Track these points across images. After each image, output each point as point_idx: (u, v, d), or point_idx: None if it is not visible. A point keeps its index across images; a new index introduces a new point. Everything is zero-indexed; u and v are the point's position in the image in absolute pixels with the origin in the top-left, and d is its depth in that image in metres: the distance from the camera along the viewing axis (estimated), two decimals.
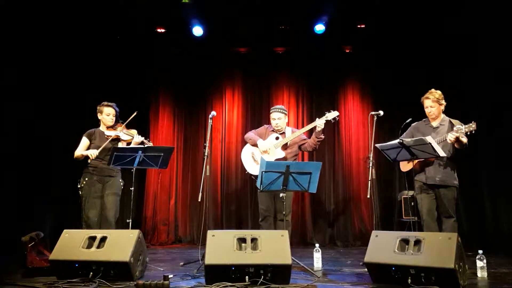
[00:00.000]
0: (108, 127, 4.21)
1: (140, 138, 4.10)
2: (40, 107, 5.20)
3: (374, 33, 5.85)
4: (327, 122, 4.23)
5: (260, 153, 4.35)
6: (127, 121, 4.19)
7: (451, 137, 3.58)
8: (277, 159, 4.24)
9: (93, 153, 4.00)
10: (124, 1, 5.25)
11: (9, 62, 4.85)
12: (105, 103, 4.20)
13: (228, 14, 5.64)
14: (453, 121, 3.80)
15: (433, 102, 3.84)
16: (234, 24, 5.84)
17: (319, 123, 4.17)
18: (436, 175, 3.77)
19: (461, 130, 3.54)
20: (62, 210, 5.24)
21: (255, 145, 4.39)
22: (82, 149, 4.12)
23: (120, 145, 4.13)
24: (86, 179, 4.07)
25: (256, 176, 4.27)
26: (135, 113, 4.17)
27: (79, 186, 4.07)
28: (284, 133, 4.41)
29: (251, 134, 4.56)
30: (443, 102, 3.86)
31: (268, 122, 4.67)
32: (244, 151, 4.44)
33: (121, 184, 4.19)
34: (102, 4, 5.23)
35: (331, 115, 4.24)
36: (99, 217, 4.03)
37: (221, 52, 6.27)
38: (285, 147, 4.35)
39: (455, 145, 3.70)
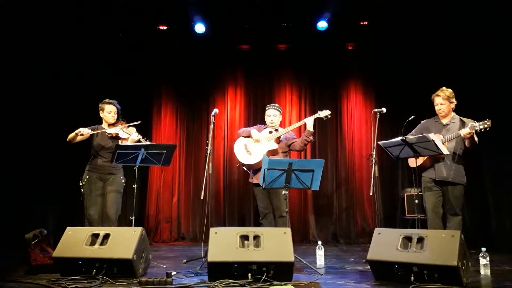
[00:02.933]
0: (109, 125, 4.21)
1: (137, 136, 4.10)
2: (41, 105, 5.21)
3: (377, 30, 5.83)
4: (319, 120, 4.34)
5: (253, 141, 4.38)
6: (129, 124, 4.19)
7: (465, 131, 3.57)
8: (269, 150, 4.29)
9: (84, 130, 3.98)
10: None
11: (7, 60, 4.86)
12: (106, 100, 4.21)
13: (230, 11, 5.63)
14: (464, 119, 3.80)
15: (443, 100, 3.83)
16: (236, 21, 5.83)
17: (308, 120, 4.30)
18: (446, 173, 3.76)
19: (475, 127, 3.53)
20: (65, 207, 5.27)
21: (248, 136, 4.44)
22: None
23: (120, 143, 4.13)
24: (87, 177, 4.08)
25: (248, 166, 4.37)
26: (138, 122, 4.19)
27: (80, 184, 4.07)
28: (277, 130, 4.48)
29: (244, 128, 4.68)
30: (454, 100, 3.86)
31: None
32: (236, 143, 4.49)
33: (123, 181, 4.18)
34: (104, 1, 5.23)
35: (323, 113, 4.33)
36: (101, 215, 4.03)
37: (223, 50, 6.26)
38: (277, 141, 4.42)
39: (466, 143, 3.69)
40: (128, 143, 4.06)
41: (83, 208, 4.07)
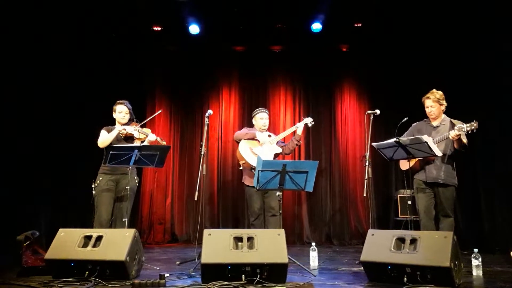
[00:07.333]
0: (122, 125, 4.16)
1: (154, 137, 4.09)
2: (36, 105, 5.16)
3: (371, 32, 5.86)
4: (305, 126, 4.52)
5: (259, 144, 4.40)
6: (147, 120, 4.21)
7: (453, 133, 3.61)
8: (275, 154, 4.39)
9: (121, 129, 3.99)
10: None
11: (5, 61, 4.82)
12: (118, 101, 4.18)
13: (225, 12, 5.62)
14: (454, 121, 3.82)
15: (433, 102, 3.87)
16: (230, 22, 5.83)
17: (300, 125, 4.49)
18: (436, 174, 3.78)
19: (463, 129, 3.56)
20: (58, 209, 5.23)
21: (252, 138, 4.45)
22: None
23: (135, 143, 4.09)
24: (100, 178, 4.03)
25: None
26: (159, 111, 4.27)
27: (93, 186, 4.03)
28: (270, 135, 4.56)
29: (244, 130, 4.63)
30: (444, 102, 3.89)
31: None
32: (241, 146, 4.44)
33: (136, 181, 4.10)
34: (98, 2, 5.20)
35: (307, 120, 4.54)
36: (111, 215, 3.99)
37: (217, 51, 6.25)
38: (278, 144, 4.52)
39: (455, 145, 3.72)
40: (145, 143, 4.03)
41: (93, 210, 4.00)
